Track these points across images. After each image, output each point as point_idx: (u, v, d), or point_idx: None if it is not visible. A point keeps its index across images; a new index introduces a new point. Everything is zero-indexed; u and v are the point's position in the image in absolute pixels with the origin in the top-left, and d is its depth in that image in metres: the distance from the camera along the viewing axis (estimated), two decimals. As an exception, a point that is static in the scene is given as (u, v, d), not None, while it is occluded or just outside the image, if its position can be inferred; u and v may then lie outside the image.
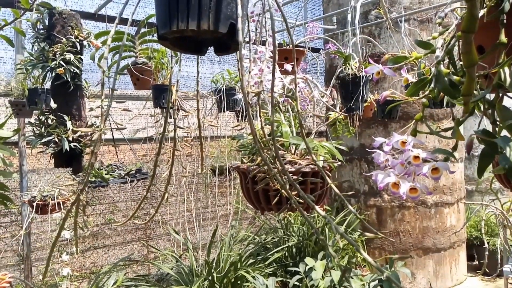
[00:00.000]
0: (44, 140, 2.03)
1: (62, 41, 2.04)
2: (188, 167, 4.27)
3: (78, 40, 2.08)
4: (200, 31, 0.70)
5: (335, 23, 4.48)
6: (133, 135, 4.20)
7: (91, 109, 2.26)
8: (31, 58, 2.13)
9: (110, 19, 2.52)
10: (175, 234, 3.68)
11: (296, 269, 3.28)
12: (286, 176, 0.91)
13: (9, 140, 3.00)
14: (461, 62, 0.78)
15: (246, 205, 4.35)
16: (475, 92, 0.67)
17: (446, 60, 0.78)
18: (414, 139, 0.74)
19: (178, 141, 1.18)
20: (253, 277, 3.13)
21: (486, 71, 0.71)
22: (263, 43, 1.19)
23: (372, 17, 4.31)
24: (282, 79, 1.46)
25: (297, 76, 1.95)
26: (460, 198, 4.52)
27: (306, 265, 3.22)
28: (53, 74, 2.03)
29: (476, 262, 5.05)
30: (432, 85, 0.73)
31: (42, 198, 2.57)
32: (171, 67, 2.43)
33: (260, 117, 1.18)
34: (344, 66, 2.43)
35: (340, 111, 2.67)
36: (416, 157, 0.71)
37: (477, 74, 0.66)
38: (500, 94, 0.70)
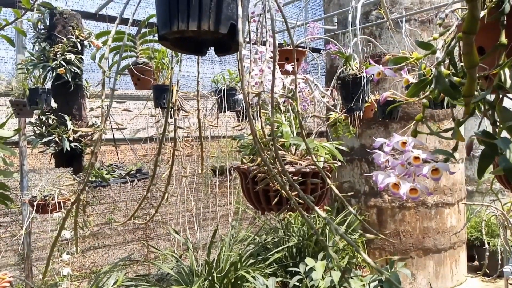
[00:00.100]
0: (44, 140, 2.03)
1: (63, 41, 2.04)
2: (189, 167, 4.27)
3: (79, 40, 2.08)
4: (200, 32, 0.70)
5: (336, 24, 4.47)
6: (134, 135, 4.20)
7: (92, 109, 2.26)
8: (32, 58, 2.13)
9: (111, 19, 2.52)
10: (176, 234, 3.68)
11: (296, 269, 3.28)
12: (286, 177, 0.91)
13: (9, 140, 3.00)
14: (461, 63, 0.78)
15: (246, 205, 4.35)
16: (475, 93, 0.67)
17: (447, 61, 0.78)
18: (415, 139, 0.74)
19: (178, 141, 1.18)
20: (253, 277, 3.13)
21: (487, 72, 0.71)
22: (264, 43, 1.19)
23: (373, 18, 4.30)
24: (282, 79, 1.47)
25: (298, 77, 1.95)
26: (461, 198, 4.52)
27: (306, 265, 3.22)
28: (54, 74, 2.03)
29: (476, 263, 5.05)
30: (433, 86, 0.73)
31: (43, 197, 2.57)
32: (172, 67, 2.43)
33: (261, 117, 1.18)
34: (344, 67, 2.43)
35: (341, 111, 2.67)
36: (417, 158, 0.71)
37: (477, 75, 0.66)
38: (500, 95, 0.70)
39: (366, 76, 2.37)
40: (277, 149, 0.89)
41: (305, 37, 2.58)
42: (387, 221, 4.34)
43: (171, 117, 1.98)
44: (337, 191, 0.94)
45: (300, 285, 3.17)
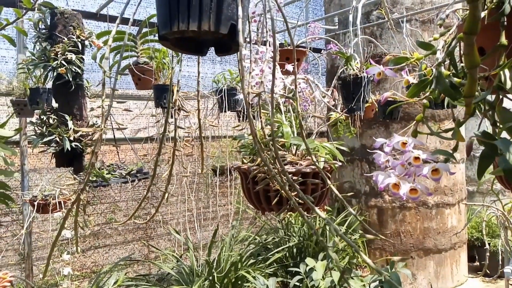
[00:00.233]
0: (45, 139, 2.03)
1: (63, 40, 2.04)
2: (189, 167, 4.27)
3: (79, 40, 2.08)
4: (200, 32, 0.70)
5: (337, 24, 4.47)
6: (135, 135, 4.20)
7: (92, 109, 2.26)
8: (33, 57, 2.13)
9: (112, 19, 2.52)
10: (176, 234, 3.68)
11: (297, 269, 3.28)
12: (285, 177, 0.91)
13: (10, 140, 3.01)
14: (462, 64, 0.78)
15: (247, 205, 4.35)
16: (476, 93, 0.67)
17: (447, 62, 0.78)
18: (415, 140, 0.74)
19: (179, 141, 1.18)
20: (254, 277, 3.13)
21: (487, 73, 0.71)
22: (264, 43, 1.19)
23: (374, 18, 4.30)
24: (283, 79, 1.47)
25: (298, 77, 1.95)
26: (461, 199, 4.52)
27: (307, 265, 3.22)
28: (55, 73, 2.03)
29: (477, 263, 5.04)
30: (433, 86, 0.73)
31: (43, 197, 2.57)
32: (173, 67, 2.43)
33: (261, 117, 1.18)
34: (345, 67, 2.43)
35: (341, 111, 2.67)
36: (417, 158, 0.71)
37: (478, 75, 0.66)
38: (500, 96, 0.70)
39: (367, 76, 2.37)
40: (276, 149, 0.89)
41: (306, 37, 2.58)
42: (387, 221, 4.34)
43: (171, 117, 1.99)
44: (337, 192, 0.94)
45: (301, 285, 3.17)
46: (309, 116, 2.33)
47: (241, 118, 3.58)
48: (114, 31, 0.94)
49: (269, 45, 1.13)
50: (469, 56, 0.59)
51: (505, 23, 0.68)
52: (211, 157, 4.10)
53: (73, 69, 2.03)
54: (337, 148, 1.54)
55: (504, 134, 0.66)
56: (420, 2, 4.22)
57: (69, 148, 2.01)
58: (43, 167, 3.89)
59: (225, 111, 3.17)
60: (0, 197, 1.33)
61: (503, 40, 0.66)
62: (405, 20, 3.32)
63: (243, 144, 1.56)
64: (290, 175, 1.10)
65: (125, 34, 1.80)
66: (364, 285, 3.03)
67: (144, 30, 2.56)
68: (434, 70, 0.73)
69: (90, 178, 2.53)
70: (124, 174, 2.86)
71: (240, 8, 0.71)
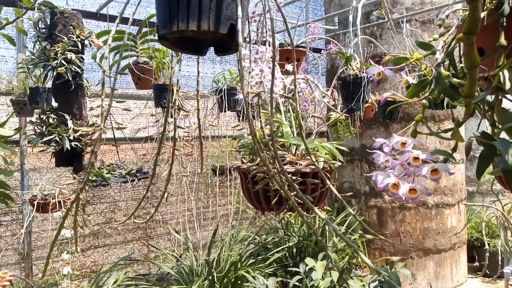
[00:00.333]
0: (45, 139, 2.03)
1: (63, 40, 2.04)
2: (189, 166, 4.27)
3: (79, 39, 2.08)
4: (200, 32, 0.70)
5: (337, 24, 4.47)
6: (134, 135, 4.20)
7: (91, 109, 2.26)
8: (33, 57, 2.13)
9: (112, 19, 2.52)
10: (176, 234, 3.68)
11: (296, 269, 3.28)
12: (285, 177, 0.91)
13: (10, 139, 3.01)
14: (461, 64, 0.78)
15: (246, 205, 4.35)
16: (475, 93, 0.67)
17: (447, 62, 0.78)
18: (414, 140, 0.74)
19: (178, 140, 1.18)
20: (253, 277, 3.13)
21: (486, 74, 0.71)
22: (264, 43, 1.19)
23: (374, 18, 4.30)
24: (283, 79, 1.46)
25: (298, 77, 1.95)
26: (461, 199, 4.52)
27: (306, 265, 3.22)
28: (55, 73, 2.03)
29: (476, 264, 5.05)
30: (432, 86, 0.73)
31: (43, 197, 2.57)
32: (172, 67, 2.43)
33: (260, 117, 1.18)
34: (345, 67, 2.43)
35: (341, 111, 2.67)
36: (416, 158, 0.71)
37: (477, 76, 0.66)
38: (499, 97, 0.70)
39: (367, 76, 2.37)
40: (276, 149, 0.89)
41: (306, 37, 2.58)
42: (387, 222, 4.34)
43: (171, 117, 1.98)
44: (336, 192, 0.94)
45: (300, 285, 3.17)
46: (309, 116, 2.33)
47: (240, 118, 3.58)
48: (113, 31, 0.95)
49: (269, 45, 1.13)
50: (469, 56, 0.59)
51: (504, 23, 0.68)
52: (211, 156, 4.10)
53: (73, 69, 2.03)
54: (336, 148, 1.54)
55: (503, 135, 0.66)
56: (420, 2, 4.22)
57: (69, 148, 2.01)
58: (43, 167, 3.89)
59: (225, 111, 3.17)
60: (0, 196, 1.33)
61: (502, 40, 0.66)
62: (405, 20, 3.32)
63: (242, 144, 1.56)
64: (289, 175, 1.10)
65: (125, 34, 1.80)
66: (363, 285, 3.03)
67: (144, 29, 2.56)
68: (433, 70, 0.73)
69: (90, 178, 2.53)
70: (124, 174, 2.86)
71: (239, 8, 0.71)
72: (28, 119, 3.10)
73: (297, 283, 3.18)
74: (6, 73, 3.22)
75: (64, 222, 0.97)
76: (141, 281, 3.29)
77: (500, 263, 4.30)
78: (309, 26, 2.58)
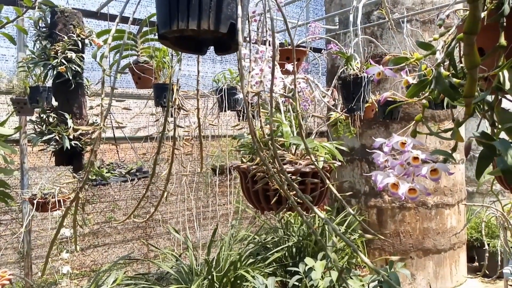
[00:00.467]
0: (45, 138, 2.03)
1: (64, 39, 2.04)
2: (189, 166, 4.27)
3: (80, 39, 2.08)
4: (200, 31, 0.70)
5: (337, 23, 4.47)
6: (134, 134, 4.21)
7: (91, 108, 2.26)
8: (33, 56, 2.13)
9: (112, 18, 2.52)
10: (175, 233, 3.68)
11: (296, 269, 3.28)
12: (284, 176, 0.91)
13: (10, 138, 3.00)
14: (461, 64, 0.78)
15: (246, 205, 4.35)
16: (475, 93, 0.67)
17: (447, 62, 0.78)
18: (414, 140, 0.74)
19: (178, 140, 1.18)
20: (253, 276, 3.13)
21: (486, 74, 0.71)
22: (264, 42, 1.19)
23: (374, 18, 4.30)
24: (283, 79, 1.46)
25: (298, 76, 1.95)
26: (461, 199, 4.52)
27: (306, 265, 3.22)
28: (55, 72, 2.03)
29: (476, 264, 5.05)
30: (432, 86, 0.73)
31: (43, 196, 2.57)
32: (173, 66, 2.43)
33: (260, 117, 1.18)
34: (345, 67, 2.43)
35: (341, 111, 2.67)
36: (416, 158, 0.71)
37: (477, 76, 0.66)
38: (499, 97, 0.70)
39: (367, 76, 2.37)
40: (276, 148, 0.89)
41: (306, 37, 2.58)
42: (387, 222, 4.34)
43: (171, 116, 1.99)
44: (336, 192, 0.94)
45: (300, 284, 3.17)
46: (309, 116, 2.33)
47: (240, 118, 3.58)
48: (114, 30, 0.95)
49: (269, 45, 1.13)
50: (469, 56, 0.59)
51: (505, 24, 0.68)
52: (211, 156, 4.10)
53: (73, 68, 2.03)
54: (336, 148, 1.54)
55: (503, 135, 0.66)
56: (420, 2, 4.22)
57: (69, 147, 2.01)
58: (43, 166, 3.89)
59: (225, 111, 3.17)
60: (0, 195, 1.33)
61: (502, 41, 0.66)
62: (406, 20, 3.32)
63: (242, 144, 1.56)
64: (289, 175, 1.10)
65: (125, 33, 1.80)
66: (363, 285, 3.03)
67: (145, 29, 2.56)
68: (434, 70, 0.73)
69: (90, 177, 2.53)
70: (124, 173, 2.86)
71: (239, 7, 0.71)
72: (28, 118, 3.10)
73: (297, 283, 3.18)
74: (7, 72, 3.22)
75: (64, 221, 0.97)
76: (141, 280, 3.29)
77: (499, 263, 4.31)
78: (309, 26, 2.58)
